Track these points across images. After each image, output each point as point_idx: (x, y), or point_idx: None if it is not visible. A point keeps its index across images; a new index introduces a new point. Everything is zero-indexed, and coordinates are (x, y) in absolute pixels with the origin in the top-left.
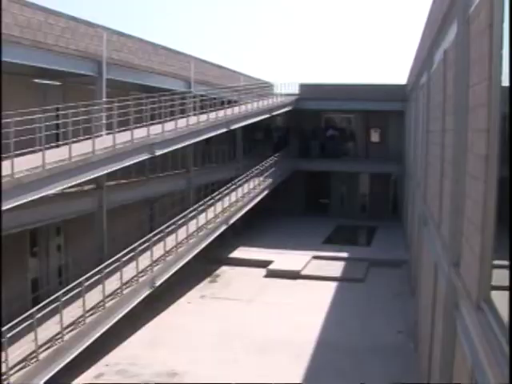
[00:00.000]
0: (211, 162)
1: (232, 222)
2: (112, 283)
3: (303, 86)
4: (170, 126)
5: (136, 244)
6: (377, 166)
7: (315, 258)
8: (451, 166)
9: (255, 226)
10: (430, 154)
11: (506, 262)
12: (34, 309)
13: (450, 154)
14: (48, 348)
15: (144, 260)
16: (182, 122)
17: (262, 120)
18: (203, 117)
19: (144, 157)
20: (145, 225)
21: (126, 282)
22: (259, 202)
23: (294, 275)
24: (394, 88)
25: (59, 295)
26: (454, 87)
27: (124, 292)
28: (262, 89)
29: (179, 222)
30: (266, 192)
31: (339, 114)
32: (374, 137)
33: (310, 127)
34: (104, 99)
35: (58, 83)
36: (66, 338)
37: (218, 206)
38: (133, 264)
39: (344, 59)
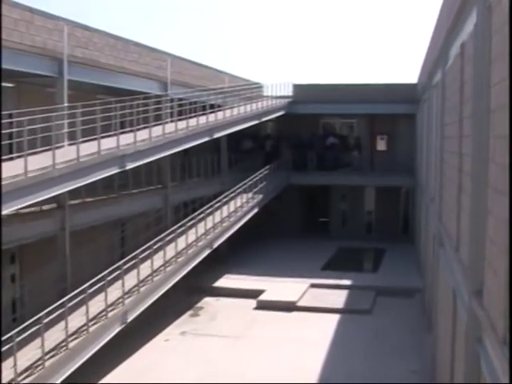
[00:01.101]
0: (192, 177)
1: (217, 245)
2: (76, 319)
3: (297, 87)
4: (143, 134)
5: (105, 272)
6: (384, 178)
7: (313, 286)
8: (470, 177)
9: (244, 249)
10: (446, 164)
11: None
12: None
13: (469, 163)
14: None
15: (114, 291)
16: (157, 131)
17: (250, 127)
18: (182, 124)
19: (113, 171)
20: (115, 250)
21: (93, 318)
22: (248, 221)
23: (288, 307)
24: (403, 88)
25: (13, 335)
26: (472, 86)
27: (90, 329)
28: (250, 91)
29: (155, 247)
30: (255, 210)
31: (340, 118)
32: (381, 145)
33: (306, 135)
34: (66, 104)
35: (11, 85)
36: None
37: (201, 228)
38: (101, 296)
39: (344, 57)
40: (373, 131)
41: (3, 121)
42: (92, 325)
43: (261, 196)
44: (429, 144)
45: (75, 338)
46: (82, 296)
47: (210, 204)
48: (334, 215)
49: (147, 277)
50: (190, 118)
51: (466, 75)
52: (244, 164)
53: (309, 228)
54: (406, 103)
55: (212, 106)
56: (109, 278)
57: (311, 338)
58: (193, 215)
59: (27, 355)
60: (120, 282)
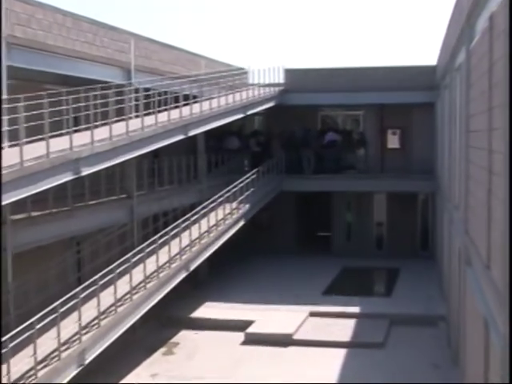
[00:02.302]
0: (163, 184)
1: (194, 267)
2: (22, 361)
3: (290, 73)
4: (102, 133)
5: (57, 303)
6: (397, 182)
7: (313, 314)
8: (503, 180)
9: (228, 271)
10: (473, 164)
11: None
12: None
13: (501, 162)
14: None
15: (69, 326)
16: (119, 128)
17: (233, 122)
18: (150, 119)
19: (66, 178)
20: (70, 274)
21: (43, 360)
22: (232, 237)
23: (283, 340)
24: (419, 72)
25: None
26: (504, 67)
27: (39, 374)
28: (233, 78)
29: (119, 270)
30: (241, 223)
31: (342, 110)
32: (392, 141)
33: (302, 131)
34: (4, 96)
35: None
36: None
37: (175, 246)
38: (53, 332)
39: (346, 35)
40: (383, 125)
41: None
42: (41, 368)
43: (247, 206)
44: (451, 139)
45: None
46: (30, 332)
47: (186, 217)
48: (336, 228)
49: (110, 307)
50: (160, 112)
51: (495, 54)
52: (227, 167)
53: (306, 244)
54: (422, 90)
55: (186, 98)
56: (62, 310)
57: (312, 378)
58: (165, 230)
59: None
60: (76, 313)
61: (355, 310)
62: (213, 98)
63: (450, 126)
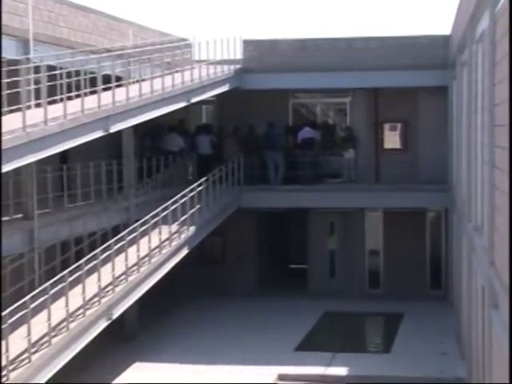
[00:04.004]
0: (75, 200)
1: (119, 313)
2: None
3: (251, 46)
4: None
5: None
6: (398, 195)
7: (283, 378)
8: None
9: (166, 319)
10: (500, 170)
11: None
12: None
13: None
14: None
15: None
16: (11, 121)
17: (172, 114)
18: (55, 109)
19: None
20: None
21: None
22: (172, 273)
23: None
24: (428, 44)
25: None
26: None
27: None
28: (172, 52)
29: (12, 320)
30: (183, 253)
31: (322, 97)
32: (391, 140)
33: (266, 125)
34: None
35: None
36: None
37: (91, 285)
38: None
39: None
40: (378, 117)
41: None
42: None
43: (192, 229)
44: (471, 137)
45: None
46: None
47: (107, 244)
48: (315, 259)
49: (4, 367)
50: (70, 99)
51: None
52: (164, 176)
53: (274, 281)
54: (431, 69)
55: (107, 79)
56: None
57: None
58: (78, 263)
59: None
60: None
61: (340, 371)
62: (144, 80)
63: (469, 118)
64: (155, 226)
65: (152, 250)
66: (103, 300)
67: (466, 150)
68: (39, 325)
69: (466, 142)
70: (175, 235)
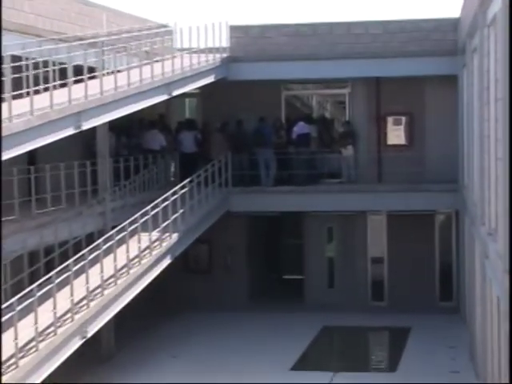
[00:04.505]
0: (44, 205)
1: (95, 331)
2: None
3: (238, 32)
4: None
5: None
6: (403, 197)
7: None
8: None
9: (147, 337)
10: None
11: None
12: None
13: None
14: None
15: None
16: None
17: (152, 108)
18: (21, 104)
19: None
20: None
21: None
22: (153, 285)
23: None
24: (435, 27)
25: None
26: None
27: None
28: (152, 40)
29: None
30: (165, 263)
31: (318, 88)
32: (395, 135)
33: (255, 119)
34: None
35: None
36: None
37: (63, 299)
38: None
39: None
40: (380, 110)
41: None
42: None
43: (175, 237)
44: (484, 131)
45: None
46: None
47: (81, 254)
48: (312, 268)
49: None
50: (37, 93)
51: None
52: (144, 177)
53: (267, 293)
54: (439, 56)
55: (79, 71)
56: None
57: None
58: (48, 276)
59: None
60: None
61: None
62: (120, 71)
63: (480, 110)
64: (134, 233)
65: (130, 260)
66: (76, 316)
67: (477, 145)
68: (5, 345)
69: (478, 137)
70: (156, 243)
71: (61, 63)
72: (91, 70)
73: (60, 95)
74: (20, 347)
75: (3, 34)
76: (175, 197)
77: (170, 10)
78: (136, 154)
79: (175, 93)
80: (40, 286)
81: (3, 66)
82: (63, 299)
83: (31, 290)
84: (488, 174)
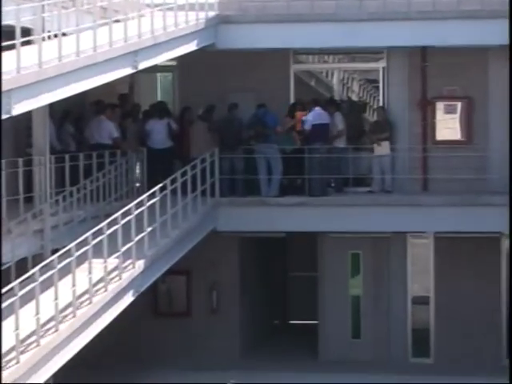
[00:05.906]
0: None
1: None
2: None
3: None
4: None
5: None
6: (456, 213)
7: None
8: None
9: None
10: None
11: None
12: None
13: None
14: None
15: None
16: None
17: (110, 87)
18: None
19: None
20: None
21: None
22: (109, 331)
23: None
24: None
25: None
26: None
27: None
28: None
29: None
30: (126, 301)
31: (341, 60)
32: (447, 127)
33: (253, 104)
34: None
35: None
36: None
37: None
38: None
39: None
40: (426, 92)
41: None
42: None
43: (140, 265)
44: None
45: None
46: None
47: (10, 287)
48: (329, 311)
49: None
50: None
51: None
52: (97, 182)
53: (268, 344)
54: (507, 18)
55: (10, 34)
56: None
57: None
58: None
59: None
60: None
61: None
62: (66, 34)
63: None
64: (83, 259)
65: (78, 298)
66: (4, 373)
67: None
68: None
69: None
70: (113, 274)
71: None
72: (26, 32)
73: None
74: None
75: None
76: (141, 209)
77: None
78: (86, 149)
79: (142, 65)
80: None
81: None
82: None
83: None
84: None
